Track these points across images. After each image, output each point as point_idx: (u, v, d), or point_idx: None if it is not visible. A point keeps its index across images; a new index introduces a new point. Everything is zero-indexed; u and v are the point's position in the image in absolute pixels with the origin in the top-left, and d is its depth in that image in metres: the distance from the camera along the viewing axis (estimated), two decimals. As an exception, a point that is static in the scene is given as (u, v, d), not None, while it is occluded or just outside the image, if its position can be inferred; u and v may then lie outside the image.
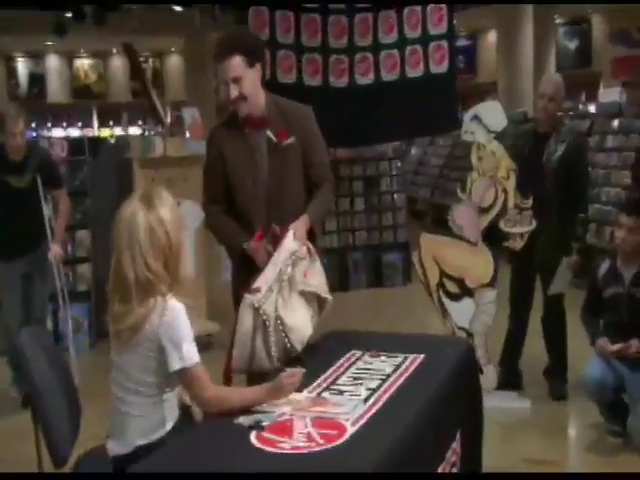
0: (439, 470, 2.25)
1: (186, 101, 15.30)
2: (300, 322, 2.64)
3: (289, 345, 2.60)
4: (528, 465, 3.48)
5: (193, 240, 5.32)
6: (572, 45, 16.33)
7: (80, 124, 20.65)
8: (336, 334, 2.92)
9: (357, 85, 5.04)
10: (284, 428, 2.02)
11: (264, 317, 2.58)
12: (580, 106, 10.92)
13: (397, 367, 2.50)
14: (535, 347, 4.46)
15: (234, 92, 2.84)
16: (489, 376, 4.11)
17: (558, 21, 15.92)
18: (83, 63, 20.90)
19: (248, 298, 2.60)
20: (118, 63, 20.50)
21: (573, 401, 4.24)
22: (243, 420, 2.08)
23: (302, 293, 2.68)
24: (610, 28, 14.24)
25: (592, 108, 9.33)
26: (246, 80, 2.84)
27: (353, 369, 2.50)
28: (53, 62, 20.43)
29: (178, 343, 2.12)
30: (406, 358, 2.58)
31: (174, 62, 20.80)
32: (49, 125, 20.06)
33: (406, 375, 2.43)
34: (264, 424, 2.04)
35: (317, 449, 1.90)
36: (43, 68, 20.27)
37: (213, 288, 5.81)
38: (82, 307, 5.60)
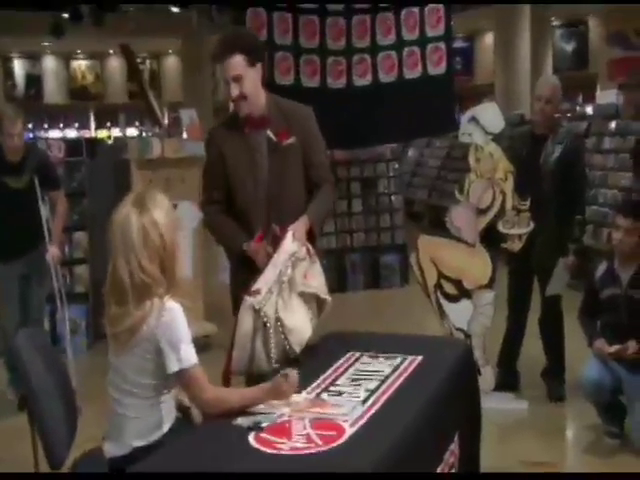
0: (437, 471, 2.25)
1: (183, 102, 15.30)
2: (300, 324, 2.63)
3: (288, 347, 2.60)
4: (525, 466, 3.48)
5: (191, 241, 5.32)
6: (569, 47, 16.36)
7: (77, 125, 20.63)
8: (335, 335, 2.92)
9: (355, 87, 5.05)
10: (283, 429, 2.02)
11: (264, 319, 2.58)
12: (577, 108, 10.96)
13: (395, 368, 2.50)
14: (533, 348, 4.47)
15: (235, 91, 2.84)
16: (487, 377, 4.12)
17: (555, 23, 15.94)
18: (80, 64, 20.88)
19: (248, 300, 2.60)
20: (115, 64, 20.48)
21: (571, 402, 4.24)
22: (242, 421, 2.08)
23: (302, 294, 2.67)
24: (607, 30, 14.27)
25: (589, 110, 9.36)
26: (247, 79, 2.84)
27: (352, 370, 2.50)
28: (50, 63, 20.41)
29: (176, 344, 2.12)
30: (404, 359, 2.58)
31: (171, 63, 20.79)
32: (46, 126, 20.03)
33: (404, 376, 2.43)
34: (263, 425, 2.04)
35: (316, 450, 1.90)
36: (40, 69, 20.24)
37: (211, 289, 5.80)
38: (79, 308, 5.59)
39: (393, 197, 7.82)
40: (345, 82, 5.03)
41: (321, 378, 2.42)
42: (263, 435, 1.99)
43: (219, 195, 2.98)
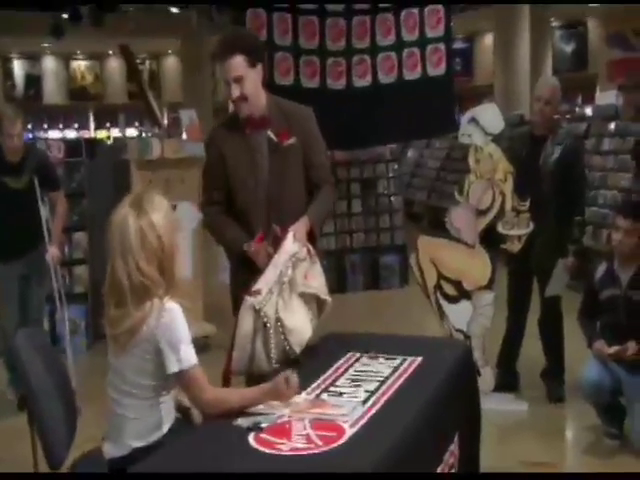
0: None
1: (183, 103, 15.30)
2: (300, 324, 2.63)
3: (288, 347, 2.60)
4: (525, 467, 3.48)
5: (190, 242, 5.32)
6: (568, 48, 16.38)
7: (76, 125, 20.65)
8: (334, 336, 2.92)
9: (354, 87, 5.06)
10: (283, 430, 2.02)
11: (265, 319, 2.58)
12: (576, 109, 10.96)
13: (395, 369, 2.50)
14: (532, 349, 4.47)
15: (235, 92, 2.84)
16: (486, 378, 4.11)
17: (554, 24, 15.97)
18: (80, 64, 20.91)
19: (249, 300, 2.59)
20: (115, 65, 20.51)
21: (570, 403, 4.24)
22: (242, 422, 2.08)
23: (302, 295, 2.67)
24: (606, 31, 14.28)
25: (588, 111, 9.35)
26: (247, 80, 2.83)
27: (352, 371, 2.50)
28: (50, 63, 20.43)
29: (176, 345, 2.12)
30: (404, 360, 2.58)
31: (171, 64, 20.81)
32: (45, 126, 20.06)
33: (404, 377, 2.43)
34: (263, 426, 2.04)
35: (316, 451, 1.90)
36: (40, 69, 20.27)
37: (210, 290, 5.80)
38: (79, 309, 5.59)
39: (393, 198, 7.83)
40: (345, 83, 5.03)
41: (321, 379, 2.42)
42: (263, 435, 1.99)
43: (219, 196, 2.98)
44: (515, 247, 4.14)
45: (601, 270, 3.82)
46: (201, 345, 4.73)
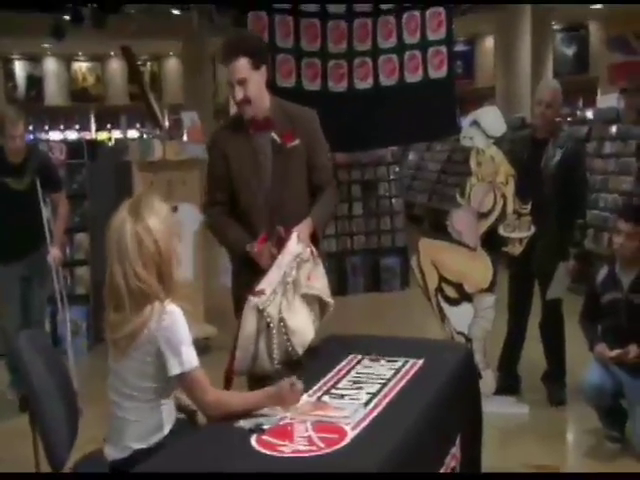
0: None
1: (184, 104, 15.32)
2: (302, 325, 2.64)
3: (290, 348, 2.60)
4: (526, 470, 3.48)
5: (192, 243, 5.32)
6: (569, 51, 16.41)
7: (78, 127, 20.67)
8: (336, 338, 2.92)
9: (356, 90, 5.05)
10: (285, 432, 2.02)
11: (268, 319, 2.58)
12: (578, 112, 10.98)
13: (397, 371, 2.50)
14: (533, 352, 4.46)
15: (239, 94, 2.84)
16: (488, 381, 4.11)
17: (556, 27, 15.99)
18: (81, 66, 20.93)
19: (252, 300, 2.60)
20: (116, 66, 20.53)
21: (571, 406, 4.24)
22: (244, 423, 2.07)
23: (305, 296, 2.67)
24: (607, 34, 14.31)
25: (590, 114, 9.37)
26: (251, 82, 2.84)
27: (353, 373, 2.50)
28: (51, 65, 20.45)
29: (177, 347, 2.11)
30: (406, 362, 2.58)
31: (172, 65, 20.83)
32: (47, 128, 20.07)
33: (406, 379, 2.43)
34: (265, 427, 2.04)
35: (318, 453, 1.90)
36: (41, 71, 20.29)
37: (211, 292, 5.80)
38: (80, 310, 5.59)
39: (394, 200, 7.83)
40: (346, 85, 5.03)
41: (322, 381, 2.42)
42: (265, 437, 1.99)
43: (222, 197, 2.98)
44: (516, 250, 4.14)
45: (602, 273, 3.82)
46: (202, 347, 4.73)
